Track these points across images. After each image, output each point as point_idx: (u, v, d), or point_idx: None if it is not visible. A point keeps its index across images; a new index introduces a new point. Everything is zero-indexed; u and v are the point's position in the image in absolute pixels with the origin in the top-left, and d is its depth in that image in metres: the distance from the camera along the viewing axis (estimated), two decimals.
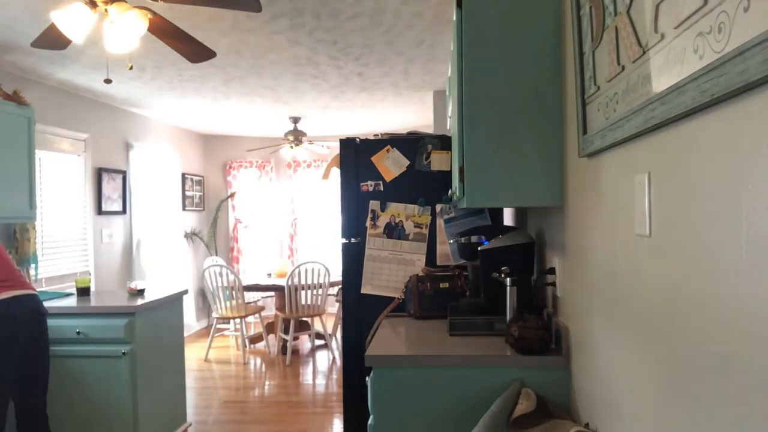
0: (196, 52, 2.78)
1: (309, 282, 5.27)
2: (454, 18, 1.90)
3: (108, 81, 2.85)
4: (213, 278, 5.30)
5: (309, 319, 5.64)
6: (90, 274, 4.76)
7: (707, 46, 0.74)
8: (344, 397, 2.83)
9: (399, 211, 2.73)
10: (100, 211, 4.93)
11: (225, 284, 5.32)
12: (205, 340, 6.10)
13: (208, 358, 5.52)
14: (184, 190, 6.63)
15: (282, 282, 5.52)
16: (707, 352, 0.81)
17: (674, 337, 0.93)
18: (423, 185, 2.71)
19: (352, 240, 2.77)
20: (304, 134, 6.06)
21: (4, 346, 2.50)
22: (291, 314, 5.27)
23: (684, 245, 0.88)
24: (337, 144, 2.86)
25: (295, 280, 5.23)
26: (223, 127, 6.63)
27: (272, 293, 6.72)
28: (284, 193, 7.49)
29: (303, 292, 5.29)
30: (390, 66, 4.00)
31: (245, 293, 5.76)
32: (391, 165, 2.74)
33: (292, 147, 6.13)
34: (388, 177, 2.74)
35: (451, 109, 2.58)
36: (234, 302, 5.39)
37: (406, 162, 2.73)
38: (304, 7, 2.85)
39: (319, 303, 5.39)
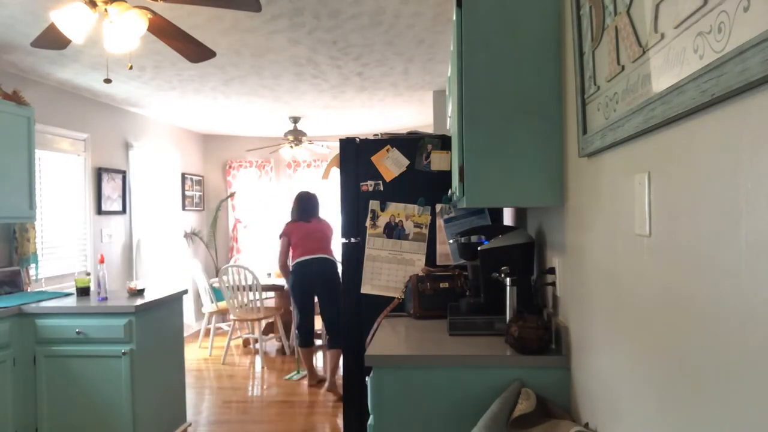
0: (196, 52, 2.78)
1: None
2: (454, 18, 1.90)
3: (108, 81, 2.85)
4: (233, 278, 5.24)
5: None
6: (89, 274, 4.76)
7: (707, 46, 0.74)
8: (344, 397, 2.83)
9: (399, 210, 2.73)
10: (100, 210, 4.93)
11: (241, 284, 5.29)
12: (205, 339, 6.10)
13: (208, 358, 5.52)
14: (183, 189, 6.63)
15: (282, 282, 5.52)
16: (707, 352, 0.81)
17: (674, 337, 0.93)
18: (423, 185, 2.71)
19: (352, 240, 2.77)
20: (303, 134, 6.06)
21: (306, 292, 4.42)
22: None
23: (684, 245, 0.88)
24: (337, 144, 2.86)
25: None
26: (223, 126, 6.63)
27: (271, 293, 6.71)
28: (284, 193, 7.48)
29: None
30: (390, 66, 4.00)
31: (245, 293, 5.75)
32: (391, 165, 2.74)
33: (291, 147, 6.13)
34: (388, 177, 2.74)
35: (451, 109, 2.58)
36: (251, 304, 5.33)
37: (406, 162, 2.73)
38: (304, 7, 2.85)
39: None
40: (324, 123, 6.37)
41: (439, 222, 2.72)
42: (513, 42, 1.73)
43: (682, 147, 0.88)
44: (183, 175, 6.64)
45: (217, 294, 6.22)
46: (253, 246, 7.40)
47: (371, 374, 1.79)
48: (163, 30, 2.54)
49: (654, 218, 1.00)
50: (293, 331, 5.34)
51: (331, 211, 7.26)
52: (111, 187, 5.11)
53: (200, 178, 7.12)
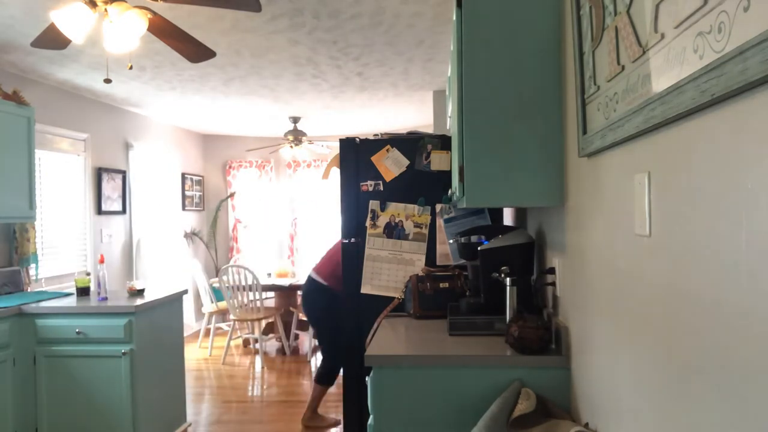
0: (196, 52, 2.77)
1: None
2: (454, 18, 1.90)
3: (108, 81, 2.85)
4: (233, 278, 5.25)
5: None
6: (89, 274, 4.76)
7: (707, 46, 0.74)
8: (344, 397, 2.83)
9: (399, 210, 2.73)
10: (100, 210, 4.93)
11: (241, 284, 5.28)
12: (205, 339, 6.10)
13: (208, 358, 5.53)
14: (183, 189, 6.63)
15: (281, 282, 5.53)
16: (707, 352, 0.81)
17: (674, 337, 0.93)
18: (423, 185, 2.71)
19: (352, 240, 2.76)
20: (304, 134, 6.06)
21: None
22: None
23: (684, 245, 0.88)
24: (337, 144, 2.86)
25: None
26: (223, 127, 6.63)
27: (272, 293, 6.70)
28: (284, 193, 7.48)
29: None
30: (390, 66, 4.00)
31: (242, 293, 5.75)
32: (391, 165, 2.74)
33: (291, 147, 6.12)
34: (388, 177, 2.74)
35: (451, 109, 2.58)
36: (251, 304, 5.34)
37: (406, 162, 2.73)
38: (304, 7, 2.85)
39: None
40: (324, 123, 6.37)
41: (439, 222, 2.72)
42: (513, 42, 1.73)
43: (682, 147, 0.88)
44: (183, 175, 6.64)
45: (217, 294, 6.22)
46: (253, 246, 7.40)
47: (371, 374, 1.79)
48: (163, 30, 2.54)
49: (654, 218, 1.00)
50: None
51: (331, 211, 7.27)
52: (111, 187, 5.10)
53: (200, 178, 7.12)
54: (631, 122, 1.04)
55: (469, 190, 1.76)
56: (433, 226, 2.72)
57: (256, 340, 5.86)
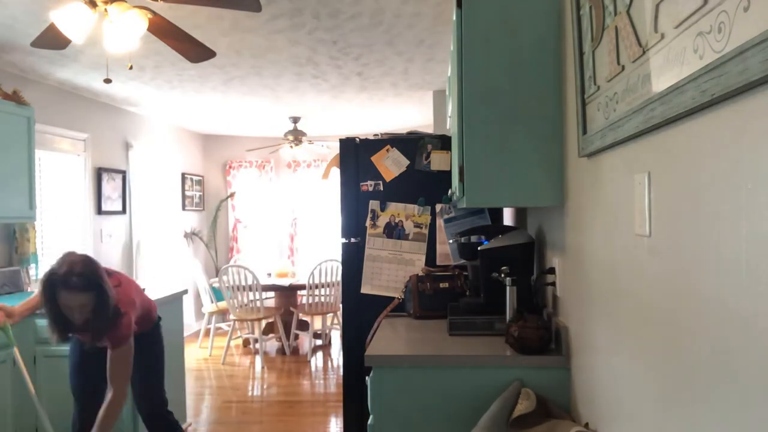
0: (196, 52, 2.77)
1: (326, 280, 5.41)
2: (454, 18, 1.90)
3: (108, 81, 2.85)
4: (233, 278, 5.26)
5: (309, 318, 5.64)
6: None
7: (707, 46, 0.74)
8: (344, 397, 2.83)
9: (399, 210, 2.73)
10: (100, 210, 4.93)
11: (241, 284, 5.28)
12: (205, 339, 6.10)
13: (208, 358, 5.52)
14: (183, 189, 6.63)
15: (281, 282, 5.53)
16: (707, 352, 0.81)
17: (674, 337, 0.93)
18: (423, 185, 2.71)
19: (352, 240, 2.76)
20: (304, 134, 6.06)
21: None
22: (310, 311, 5.43)
23: (683, 245, 0.88)
24: (337, 144, 2.86)
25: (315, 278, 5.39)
26: (223, 126, 6.63)
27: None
28: (284, 193, 7.48)
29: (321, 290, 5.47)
30: (390, 66, 4.00)
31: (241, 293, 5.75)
32: (391, 165, 2.74)
33: (291, 147, 6.12)
34: (388, 177, 2.74)
35: (451, 108, 2.58)
36: (251, 304, 5.35)
37: (406, 162, 2.73)
38: (304, 7, 2.85)
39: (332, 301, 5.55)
40: (324, 123, 6.37)
41: (439, 222, 2.72)
42: (513, 42, 1.73)
43: (682, 147, 0.88)
44: (183, 175, 6.63)
45: (217, 294, 6.22)
46: (253, 246, 7.40)
47: (371, 374, 1.79)
48: (163, 30, 2.54)
49: (654, 218, 1.00)
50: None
51: (331, 211, 7.26)
52: (111, 187, 5.10)
53: (200, 178, 7.12)
54: (631, 122, 1.04)
55: (469, 190, 1.76)
56: (433, 226, 2.72)
57: (256, 340, 5.86)
